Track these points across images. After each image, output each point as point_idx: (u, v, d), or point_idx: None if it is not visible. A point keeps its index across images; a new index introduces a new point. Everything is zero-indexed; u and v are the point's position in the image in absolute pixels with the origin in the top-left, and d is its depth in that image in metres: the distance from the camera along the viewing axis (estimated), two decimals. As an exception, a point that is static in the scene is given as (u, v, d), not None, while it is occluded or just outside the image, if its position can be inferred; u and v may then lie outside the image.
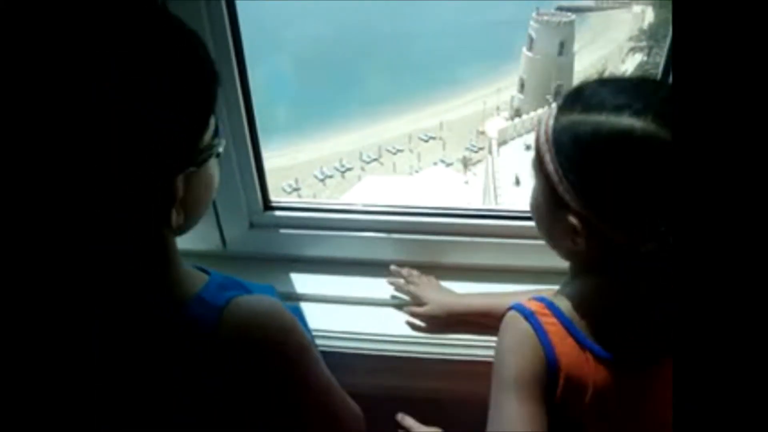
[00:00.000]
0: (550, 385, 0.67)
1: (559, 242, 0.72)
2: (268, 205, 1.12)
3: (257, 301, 0.64)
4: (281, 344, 0.64)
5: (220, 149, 0.63)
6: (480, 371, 0.86)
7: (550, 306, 0.70)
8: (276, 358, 0.63)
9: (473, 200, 20.51)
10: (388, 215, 1.11)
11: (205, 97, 0.58)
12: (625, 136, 0.58)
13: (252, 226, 1.12)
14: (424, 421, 1.10)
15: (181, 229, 0.63)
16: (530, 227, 1.07)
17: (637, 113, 0.58)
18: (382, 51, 44.18)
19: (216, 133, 0.62)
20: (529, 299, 0.72)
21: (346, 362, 0.95)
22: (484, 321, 0.96)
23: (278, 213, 1.12)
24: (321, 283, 1.10)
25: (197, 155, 0.59)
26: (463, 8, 46.82)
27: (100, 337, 0.60)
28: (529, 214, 1.08)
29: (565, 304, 0.70)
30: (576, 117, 0.63)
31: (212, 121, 0.60)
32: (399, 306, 1.05)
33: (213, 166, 0.64)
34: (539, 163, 0.67)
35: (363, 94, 37.49)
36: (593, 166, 0.62)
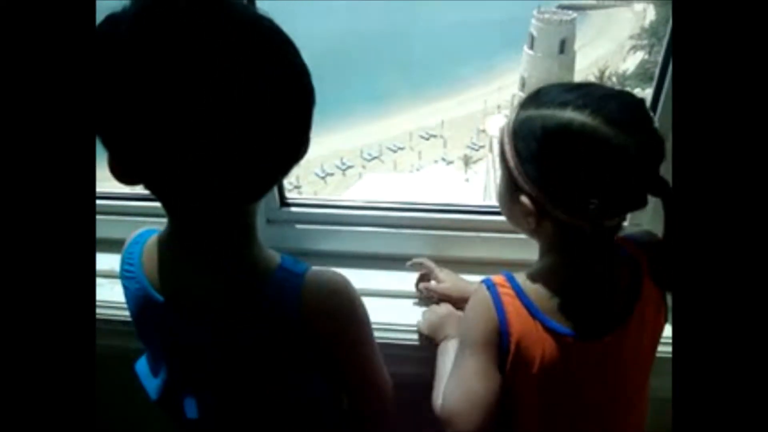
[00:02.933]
0: (502, 351, 0.77)
1: (518, 222, 0.80)
2: (284, 202, 1.18)
3: (332, 272, 0.75)
4: (353, 312, 0.75)
5: None
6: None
7: (510, 279, 0.79)
8: (347, 322, 0.75)
9: (473, 198, 20.51)
10: (399, 211, 1.17)
11: (304, 105, 0.65)
12: (566, 126, 0.68)
13: (269, 221, 1.18)
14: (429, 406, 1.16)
15: None
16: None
17: (577, 108, 0.68)
18: (383, 49, 44.14)
19: None
20: (497, 274, 0.80)
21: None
22: None
23: (294, 209, 1.18)
24: None
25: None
26: (464, 6, 46.75)
27: (198, 302, 0.73)
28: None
29: (524, 279, 0.79)
30: (530, 112, 0.73)
31: None
32: (409, 297, 1.11)
33: None
34: (501, 154, 0.77)
35: (364, 92, 37.43)
36: (541, 152, 0.71)
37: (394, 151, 32.21)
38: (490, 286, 0.78)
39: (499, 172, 0.82)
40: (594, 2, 42.62)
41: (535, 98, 0.75)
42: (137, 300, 0.76)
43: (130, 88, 0.56)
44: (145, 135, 0.58)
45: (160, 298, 0.73)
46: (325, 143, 32.45)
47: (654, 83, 0.98)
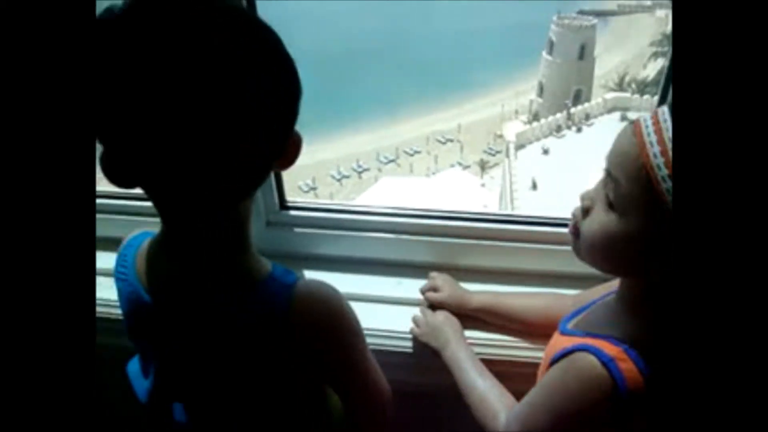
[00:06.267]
0: (618, 420, 0.68)
1: (641, 277, 0.71)
2: (284, 205, 1.17)
3: (321, 283, 0.75)
4: (344, 322, 0.75)
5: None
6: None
7: (629, 351, 0.67)
8: (338, 332, 0.75)
9: (489, 203, 20.45)
10: (398, 217, 1.14)
11: (294, 97, 0.66)
12: None
13: (268, 224, 1.16)
14: (432, 416, 1.14)
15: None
16: (537, 232, 1.11)
17: None
18: (402, 52, 44.17)
19: None
20: (602, 340, 0.70)
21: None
22: (483, 317, 1.01)
23: (293, 212, 1.17)
24: (333, 281, 1.10)
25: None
26: (483, 10, 46.68)
27: (187, 307, 0.72)
28: (536, 219, 1.13)
29: (640, 347, 0.68)
30: None
31: None
32: (409, 304, 1.09)
33: None
34: (651, 197, 0.61)
35: (382, 96, 37.49)
36: None
37: (411, 155, 32.24)
38: (608, 361, 0.67)
39: (613, 216, 0.67)
40: (615, 8, 42.38)
41: None
42: (129, 302, 0.76)
43: (119, 86, 0.56)
44: (136, 132, 0.58)
45: (150, 300, 0.73)
46: (342, 146, 32.60)
47: (659, 90, 0.96)
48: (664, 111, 0.64)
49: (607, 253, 0.70)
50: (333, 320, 0.74)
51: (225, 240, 0.70)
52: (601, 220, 0.68)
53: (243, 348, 0.72)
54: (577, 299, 0.94)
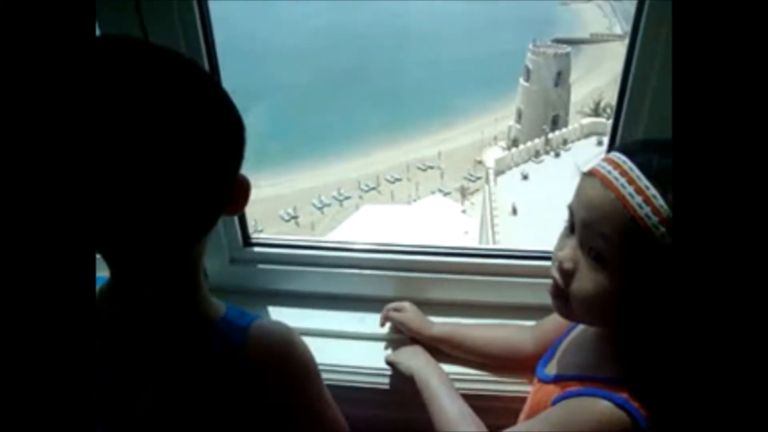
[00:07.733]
0: None
1: (632, 327, 0.71)
2: (247, 241, 1.16)
3: (277, 324, 0.75)
4: (297, 361, 0.74)
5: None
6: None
7: (632, 389, 0.66)
8: (293, 373, 0.74)
9: (470, 229, 20.55)
10: (361, 252, 1.15)
11: (237, 143, 0.65)
12: None
13: (232, 261, 1.16)
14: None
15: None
16: (499, 265, 1.11)
17: None
18: (381, 81, 44.70)
19: None
20: (603, 384, 0.68)
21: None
22: (442, 347, 1.01)
23: (257, 249, 1.16)
24: (297, 317, 1.13)
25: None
26: (461, 40, 47.57)
27: (137, 352, 0.70)
28: (498, 252, 1.14)
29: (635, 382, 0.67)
30: None
31: None
32: (373, 339, 1.08)
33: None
34: (645, 245, 0.61)
35: (362, 124, 37.76)
36: None
37: (392, 182, 32.43)
38: (632, 409, 0.65)
39: (604, 274, 0.65)
40: (588, 37, 43.51)
41: None
42: None
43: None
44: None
45: (98, 351, 0.69)
46: (323, 174, 32.64)
47: (613, 114, 0.98)
48: (623, 158, 0.63)
49: (604, 310, 0.68)
50: (289, 361, 0.73)
51: (175, 286, 0.68)
52: (592, 279, 0.66)
53: (196, 396, 0.70)
54: (536, 331, 0.95)
